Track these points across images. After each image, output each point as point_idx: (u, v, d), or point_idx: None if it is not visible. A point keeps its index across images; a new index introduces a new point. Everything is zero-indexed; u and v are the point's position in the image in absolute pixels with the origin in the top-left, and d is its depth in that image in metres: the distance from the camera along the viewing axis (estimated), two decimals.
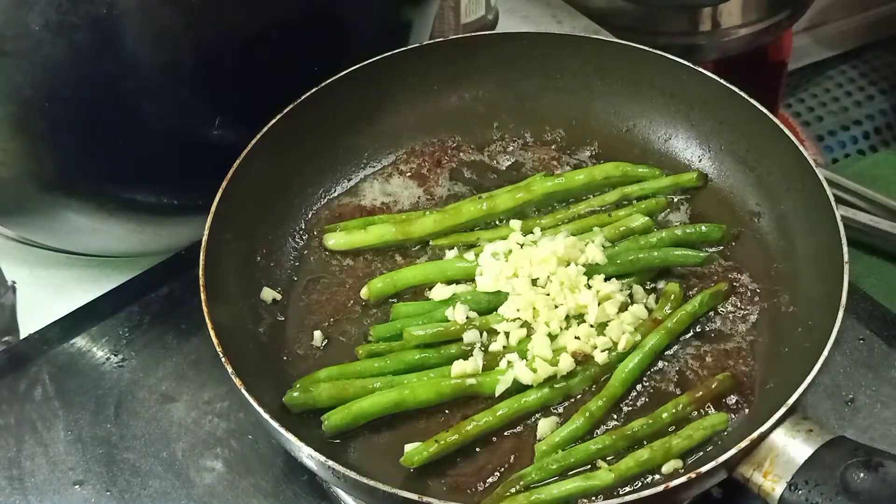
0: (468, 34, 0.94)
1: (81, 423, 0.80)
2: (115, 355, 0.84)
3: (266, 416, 0.65)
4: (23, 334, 0.86)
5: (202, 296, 0.72)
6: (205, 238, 0.75)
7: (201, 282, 0.72)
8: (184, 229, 0.88)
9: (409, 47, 0.89)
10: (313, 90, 0.83)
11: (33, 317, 0.87)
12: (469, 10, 1.11)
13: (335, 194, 0.88)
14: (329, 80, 0.84)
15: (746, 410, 0.72)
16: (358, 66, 0.86)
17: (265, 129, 0.81)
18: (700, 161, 0.87)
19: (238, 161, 0.79)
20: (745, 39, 1.37)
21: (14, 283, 0.88)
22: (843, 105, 1.76)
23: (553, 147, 0.91)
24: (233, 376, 0.67)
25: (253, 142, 0.80)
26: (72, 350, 0.85)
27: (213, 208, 0.77)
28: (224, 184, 0.78)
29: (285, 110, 0.82)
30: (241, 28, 0.77)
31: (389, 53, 0.87)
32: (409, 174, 0.89)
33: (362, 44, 0.86)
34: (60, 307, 0.87)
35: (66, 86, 0.72)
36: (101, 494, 0.76)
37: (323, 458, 0.64)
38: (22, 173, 0.78)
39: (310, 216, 0.86)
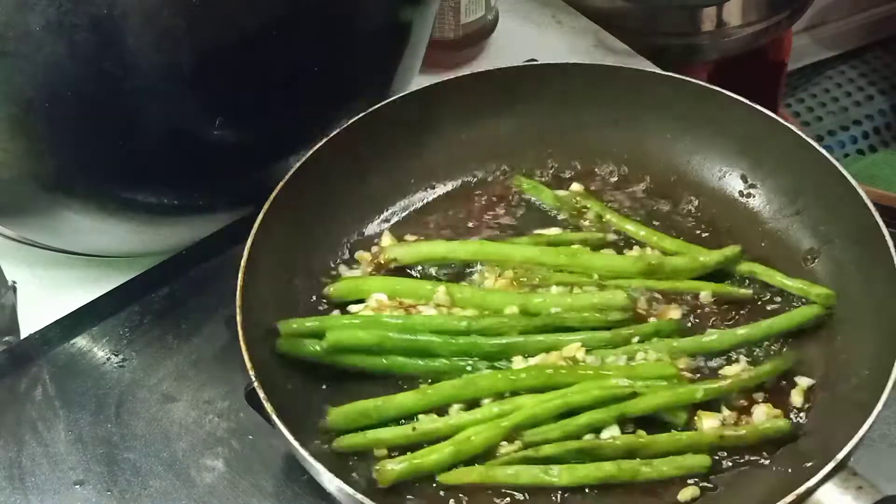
0: (521, 64, 0.93)
1: (82, 423, 0.80)
2: (116, 355, 0.84)
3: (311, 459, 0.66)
4: (23, 334, 0.86)
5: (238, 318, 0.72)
6: (244, 261, 0.75)
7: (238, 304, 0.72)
8: (184, 229, 0.88)
9: (461, 75, 0.90)
10: (359, 116, 0.83)
11: (33, 317, 0.87)
12: (469, 10, 1.11)
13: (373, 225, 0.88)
14: (378, 105, 0.84)
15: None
16: (410, 91, 0.87)
17: (309, 153, 0.81)
18: (753, 198, 0.86)
19: (281, 184, 0.80)
20: (744, 39, 1.37)
21: (14, 283, 0.88)
22: (842, 105, 1.77)
23: (605, 180, 0.90)
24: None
25: (295, 168, 0.81)
26: (72, 350, 0.85)
27: (252, 232, 0.77)
28: (266, 206, 0.78)
29: (324, 140, 0.82)
30: (241, 28, 0.77)
31: (442, 80, 0.87)
32: (451, 206, 0.89)
33: (362, 44, 0.86)
34: (60, 307, 0.87)
35: (66, 86, 0.72)
36: (102, 494, 0.76)
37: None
38: (22, 173, 0.78)
39: (346, 249, 0.86)
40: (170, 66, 0.75)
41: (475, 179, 0.91)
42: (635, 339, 0.76)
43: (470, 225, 0.87)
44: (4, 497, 0.76)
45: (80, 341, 0.85)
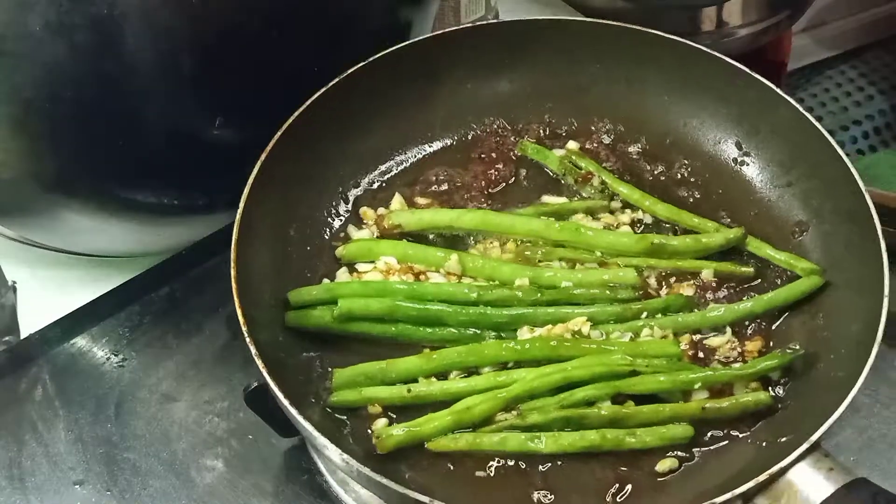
0: (526, 18, 0.92)
1: (82, 423, 0.80)
2: (116, 355, 0.84)
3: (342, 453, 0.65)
4: (23, 334, 0.86)
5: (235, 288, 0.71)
6: (238, 219, 0.74)
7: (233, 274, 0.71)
8: (184, 229, 0.88)
9: (465, 26, 0.89)
10: (360, 64, 0.82)
11: (33, 317, 0.87)
12: (469, 10, 1.11)
13: (377, 176, 0.87)
14: (383, 53, 0.83)
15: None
16: (417, 39, 0.86)
17: (308, 102, 0.80)
18: (746, 166, 0.86)
19: (286, 125, 0.79)
20: (744, 39, 1.36)
21: (14, 283, 0.88)
22: (842, 105, 1.76)
23: (601, 139, 0.90)
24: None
25: (296, 114, 0.80)
26: (72, 350, 0.85)
27: (248, 184, 0.76)
28: (263, 156, 0.77)
29: (332, 83, 0.82)
30: (240, 28, 0.77)
31: (448, 30, 0.87)
32: (451, 161, 0.88)
33: (362, 44, 0.86)
34: (60, 307, 0.87)
35: (66, 86, 0.72)
36: (102, 494, 0.76)
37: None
38: (22, 173, 0.78)
39: (350, 200, 0.86)
40: (170, 66, 0.75)
41: (474, 133, 0.90)
42: (643, 315, 0.77)
43: (471, 184, 0.87)
44: (4, 497, 0.76)
45: (80, 341, 0.86)
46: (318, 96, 0.81)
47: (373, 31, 0.88)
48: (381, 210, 0.85)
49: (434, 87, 0.89)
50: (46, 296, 0.89)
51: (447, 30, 0.88)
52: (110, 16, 0.70)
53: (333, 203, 0.85)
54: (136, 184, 0.82)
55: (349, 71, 0.83)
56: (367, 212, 0.85)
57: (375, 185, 0.87)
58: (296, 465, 0.76)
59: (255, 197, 0.76)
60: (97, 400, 0.81)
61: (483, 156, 0.89)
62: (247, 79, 0.79)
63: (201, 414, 0.80)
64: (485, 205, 0.85)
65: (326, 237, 0.83)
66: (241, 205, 0.75)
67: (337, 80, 0.82)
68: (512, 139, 0.90)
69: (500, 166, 0.88)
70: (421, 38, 0.87)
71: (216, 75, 0.78)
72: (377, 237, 0.83)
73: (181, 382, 0.82)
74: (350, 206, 0.86)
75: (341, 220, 0.85)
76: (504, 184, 0.87)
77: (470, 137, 0.90)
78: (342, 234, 0.84)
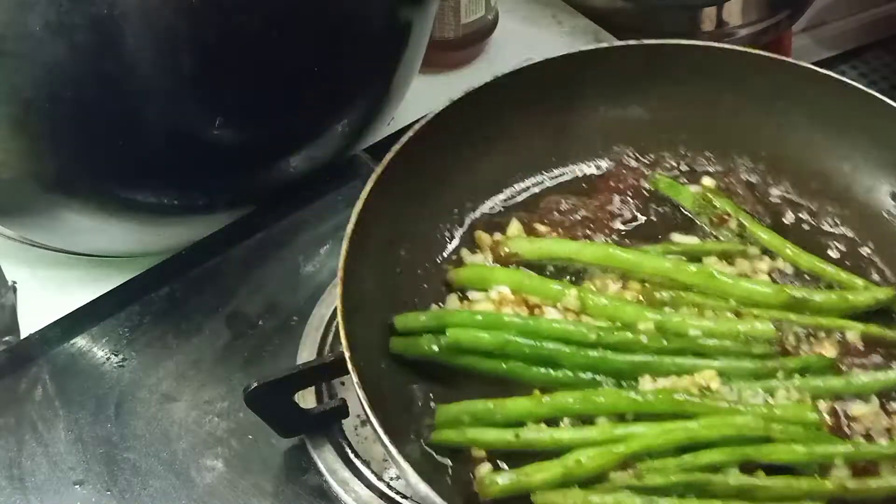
0: (664, 41, 0.84)
1: (82, 423, 0.80)
2: (116, 355, 0.84)
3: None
4: (23, 334, 0.86)
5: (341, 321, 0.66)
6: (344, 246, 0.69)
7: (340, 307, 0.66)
8: (184, 229, 0.88)
9: (601, 46, 0.83)
10: (485, 81, 0.77)
11: (33, 317, 0.87)
12: (469, 10, 1.11)
13: (496, 204, 0.83)
14: (508, 72, 0.78)
15: None
16: (547, 58, 0.80)
17: (429, 117, 0.76)
18: None
19: (405, 139, 0.74)
20: (744, 39, 1.36)
21: (14, 283, 0.88)
22: None
23: (740, 177, 0.83)
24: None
25: (416, 128, 0.75)
26: (72, 350, 0.85)
27: (362, 197, 0.71)
28: (380, 169, 0.72)
29: (455, 99, 0.77)
30: (240, 28, 0.77)
31: (582, 49, 0.81)
32: (575, 189, 0.83)
33: (362, 43, 0.86)
34: (60, 307, 0.87)
35: (66, 86, 0.72)
36: (102, 494, 0.76)
37: None
38: (22, 173, 0.78)
39: (466, 222, 0.81)
40: (170, 66, 0.75)
41: (601, 162, 0.85)
42: (779, 374, 0.71)
43: (595, 215, 0.82)
44: (4, 497, 0.76)
45: (80, 341, 0.85)
46: (440, 112, 0.76)
47: (373, 31, 0.88)
48: (498, 235, 0.81)
49: (563, 111, 0.84)
50: (46, 296, 0.89)
51: (582, 49, 0.81)
52: (110, 16, 0.70)
53: (448, 224, 0.81)
54: (136, 184, 0.82)
55: (473, 88, 0.78)
56: (482, 236, 0.81)
57: (493, 209, 0.83)
58: (296, 465, 0.76)
59: (368, 211, 0.70)
60: (97, 400, 0.81)
61: (610, 186, 0.84)
62: (247, 79, 0.79)
63: (201, 414, 0.80)
64: (609, 239, 0.81)
65: (438, 261, 0.79)
66: (353, 219, 0.70)
67: (460, 96, 0.77)
68: (642, 171, 0.84)
69: (628, 199, 0.83)
70: (551, 56, 0.80)
71: (216, 75, 0.78)
72: (492, 264, 0.79)
73: (181, 382, 0.82)
74: (465, 228, 0.81)
75: (455, 244, 0.81)
76: (631, 218, 0.82)
77: (597, 166, 0.85)
78: (454, 258, 0.80)
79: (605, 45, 0.84)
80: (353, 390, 0.80)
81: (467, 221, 0.82)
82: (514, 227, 0.81)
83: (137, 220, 0.85)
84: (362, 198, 0.71)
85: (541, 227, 0.81)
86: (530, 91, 0.81)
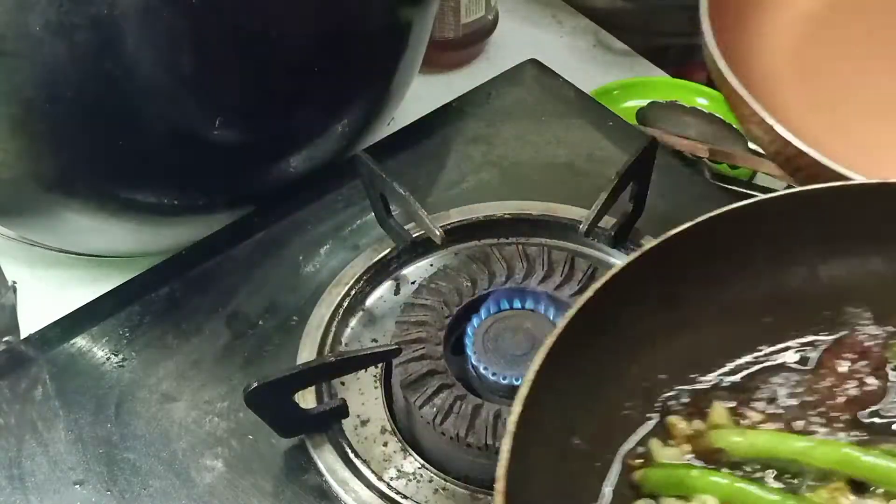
0: (863, 182, 0.65)
1: (82, 423, 0.80)
2: (116, 355, 0.84)
3: None
4: (23, 334, 0.86)
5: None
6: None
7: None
8: (184, 229, 0.88)
9: (833, 185, 0.63)
10: (676, 230, 0.61)
11: (33, 317, 0.87)
12: (469, 11, 1.11)
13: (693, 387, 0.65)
14: (709, 216, 0.61)
15: None
16: (765, 197, 0.63)
17: (611, 274, 0.59)
18: None
19: (583, 301, 0.59)
20: None
21: (14, 283, 0.88)
22: None
23: None
24: None
25: (597, 286, 0.59)
26: (72, 350, 0.85)
27: (532, 370, 0.56)
28: (553, 338, 0.57)
29: (643, 250, 0.61)
30: (240, 28, 0.77)
31: (806, 188, 0.63)
32: (797, 367, 0.66)
33: (362, 43, 0.86)
34: (60, 307, 0.87)
35: (66, 86, 0.72)
36: (102, 494, 0.76)
37: None
38: (22, 173, 0.78)
39: (657, 405, 0.64)
40: (170, 66, 0.75)
41: (830, 330, 0.66)
42: None
43: (825, 400, 0.63)
44: (4, 497, 0.76)
45: (80, 341, 0.85)
46: (630, 262, 0.61)
47: (373, 31, 0.88)
48: (698, 424, 0.63)
49: (782, 265, 0.66)
50: (46, 296, 0.90)
51: (805, 188, 0.64)
52: (110, 16, 0.70)
53: (635, 407, 0.63)
54: (136, 184, 0.82)
55: (666, 236, 0.61)
56: (677, 424, 0.63)
57: (692, 389, 0.65)
58: (296, 465, 0.76)
59: (541, 388, 0.55)
60: (97, 400, 0.81)
61: (843, 362, 0.65)
62: (247, 79, 0.79)
63: (201, 414, 0.80)
64: (845, 433, 0.61)
65: (621, 453, 0.62)
66: (517, 407, 0.54)
67: (649, 246, 0.62)
68: (884, 340, 0.65)
69: (868, 379, 0.64)
70: (769, 196, 0.63)
71: (216, 75, 0.78)
72: (690, 460, 0.61)
73: (181, 382, 0.82)
74: (656, 413, 0.64)
75: (643, 431, 0.63)
76: (873, 405, 0.63)
77: (824, 335, 0.66)
78: (642, 450, 0.62)
79: (836, 184, 0.64)
80: (353, 390, 0.80)
81: (658, 404, 0.64)
82: (719, 413, 0.64)
83: (137, 220, 0.85)
84: (532, 371, 0.55)
85: (752, 415, 0.64)
86: (739, 241, 0.64)
